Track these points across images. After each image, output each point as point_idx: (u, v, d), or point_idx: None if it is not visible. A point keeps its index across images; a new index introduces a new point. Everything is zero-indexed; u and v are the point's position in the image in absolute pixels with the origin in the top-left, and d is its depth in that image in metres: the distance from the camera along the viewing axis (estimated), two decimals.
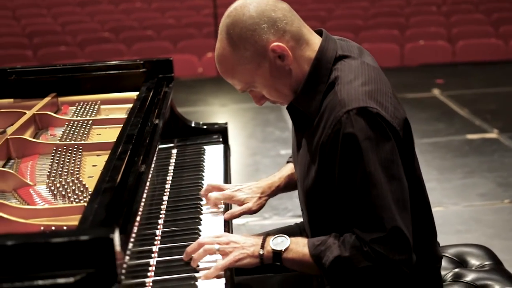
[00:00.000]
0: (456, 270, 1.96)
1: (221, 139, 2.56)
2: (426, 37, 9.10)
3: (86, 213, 1.33)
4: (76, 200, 1.68)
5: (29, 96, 2.51)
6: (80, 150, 2.01)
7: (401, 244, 1.50)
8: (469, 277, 1.90)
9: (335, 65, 1.63)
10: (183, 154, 2.41)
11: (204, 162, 2.33)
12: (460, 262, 2.02)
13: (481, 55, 8.85)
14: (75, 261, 1.11)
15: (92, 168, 1.93)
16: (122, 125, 1.94)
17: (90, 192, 1.65)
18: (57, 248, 1.11)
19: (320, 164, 1.59)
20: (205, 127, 2.61)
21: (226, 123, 2.63)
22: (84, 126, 2.23)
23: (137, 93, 2.32)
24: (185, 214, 1.92)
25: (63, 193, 1.72)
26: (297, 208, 1.91)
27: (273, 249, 1.60)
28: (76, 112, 2.41)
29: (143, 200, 1.60)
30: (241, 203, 1.94)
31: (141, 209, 1.55)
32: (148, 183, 1.70)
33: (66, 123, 2.27)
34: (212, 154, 2.43)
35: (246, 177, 4.64)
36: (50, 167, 1.91)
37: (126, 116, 2.06)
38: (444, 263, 1.95)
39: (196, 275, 1.58)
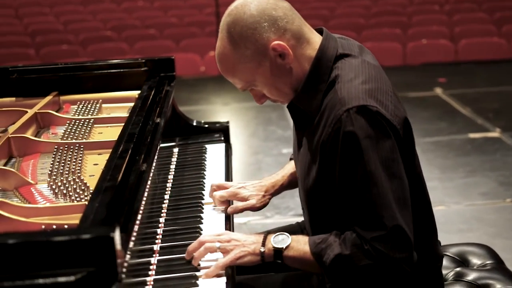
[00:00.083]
0: (458, 269, 1.96)
1: (222, 138, 2.56)
2: (428, 36, 9.09)
3: (87, 211, 1.33)
4: (77, 199, 1.69)
5: (31, 94, 2.51)
6: (82, 149, 2.02)
7: (402, 242, 1.50)
8: (471, 276, 1.90)
9: (336, 63, 1.63)
10: (185, 153, 2.41)
11: (205, 161, 2.33)
12: (462, 261, 2.02)
13: (484, 54, 8.83)
14: (76, 260, 1.11)
15: (93, 166, 1.93)
16: (123, 124, 1.94)
17: (91, 191, 1.65)
18: (58, 246, 1.11)
19: (320, 162, 1.59)
20: (206, 126, 2.61)
21: (227, 122, 2.63)
22: (85, 125, 2.23)
23: (139, 91, 2.32)
24: (186, 212, 1.92)
25: (64, 191, 1.72)
26: (299, 207, 1.91)
27: (274, 247, 1.60)
28: (78, 111, 2.41)
29: (144, 198, 1.60)
30: (245, 200, 1.94)
31: (142, 208, 1.55)
32: (149, 182, 1.70)
33: (68, 121, 2.27)
34: (214, 153, 2.43)
35: (248, 176, 4.64)
36: (51, 165, 1.91)
37: (127, 115, 2.06)
38: (445, 262, 1.94)
39: (197, 273, 1.58)
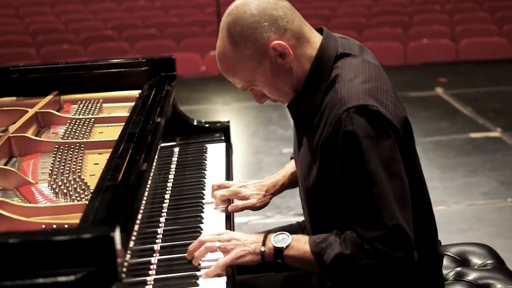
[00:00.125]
0: (458, 269, 1.96)
1: (223, 138, 2.56)
2: (429, 35, 9.09)
3: (87, 211, 1.33)
4: (78, 198, 1.69)
5: (32, 94, 2.51)
6: (82, 148, 2.02)
7: (402, 242, 1.50)
8: (471, 276, 1.90)
9: (336, 63, 1.63)
10: (185, 152, 2.41)
11: (206, 160, 2.33)
12: (462, 261, 2.02)
13: (485, 53, 8.83)
14: (76, 259, 1.11)
15: (94, 166, 1.93)
16: (124, 124, 1.94)
17: (91, 190, 1.66)
18: (58, 246, 1.11)
19: (321, 162, 1.59)
20: (207, 125, 2.61)
21: (228, 122, 2.63)
22: (86, 124, 2.23)
23: (139, 91, 2.32)
24: (186, 212, 1.92)
25: (65, 191, 1.72)
26: (300, 207, 1.91)
27: (274, 246, 1.60)
28: (78, 110, 2.41)
29: (145, 198, 1.60)
30: (245, 199, 1.94)
31: (142, 208, 1.55)
32: (149, 182, 1.70)
33: (68, 121, 2.27)
34: (214, 152, 2.43)
35: (249, 176, 4.64)
36: (52, 165, 1.91)
37: (128, 115, 2.06)
38: (446, 262, 1.94)
39: (198, 273, 1.58)
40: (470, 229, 3.84)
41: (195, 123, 2.60)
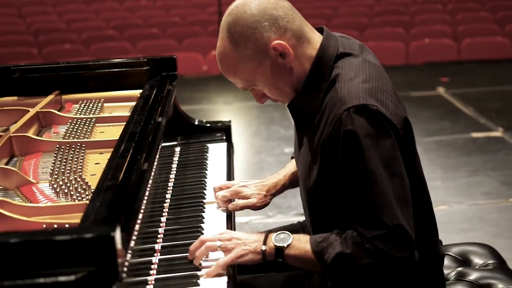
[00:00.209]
0: (460, 269, 1.95)
1: (224, 137, 2.56)
2: (431, 35, 9.08)
3: (88, 211, 1.33)
4: (79, 198, 1.69)
5: (33, 94, 2.51)
6: (83, 148, 2.02)
7: (403, 241, 1.50)
8: (473, 276, 1.90)
9: (336, 62, 1.63)
10: (186, 152, 2.41)
11: (207, 160, 2.33)
12: (464, 261, 2.02)
13: (487, 53, 8.82)
14: (76, 259, 1.11)
15: (94, 166, 1.94)
16: (125, 123, 1.94)
17: (92, 190, 1.66)
18: (59, 246, 1.11)
19: (321, 162, 1.59)
20: (208, 125, 2.61)
21: (229, 121, 2.62)
22: (87, 124, 2.23)
23: (141, 91, 2.32)
24: (187, 212, 1.92)
25: (66, 191, 1.72)
26: (301, 206, 1.91)
27: (275, 245, 1.60)
28: (80, 110, 2.41)
29: (145, 198, 1.60)
30: (246, 198, 1.94)
31: (143, 207, 1.55)
32: (150, 181, 1.70)
33: (70, 121, 2.27)
34: (216, 152, 2.43)
35: (250, 175, 4.64)
36: (53, 165, 1.91)
37: (129, 114, 2.06)
38: (447, 261, 1.94)
39: (198, 273, 1.58)
40: (471, 229, 3.84)
41: (196, 123, 2.60)
